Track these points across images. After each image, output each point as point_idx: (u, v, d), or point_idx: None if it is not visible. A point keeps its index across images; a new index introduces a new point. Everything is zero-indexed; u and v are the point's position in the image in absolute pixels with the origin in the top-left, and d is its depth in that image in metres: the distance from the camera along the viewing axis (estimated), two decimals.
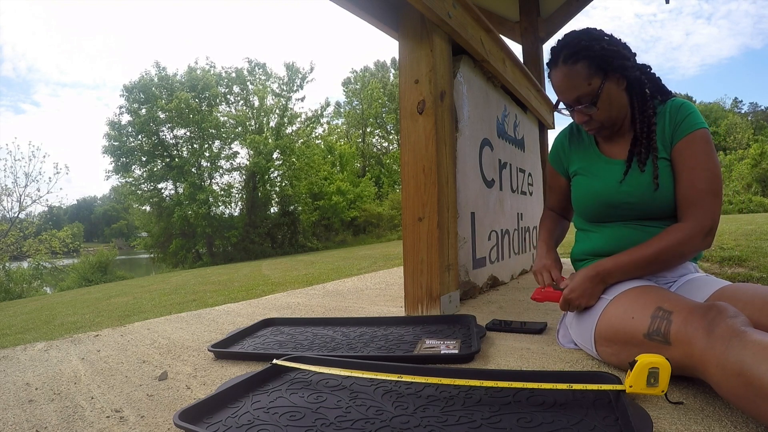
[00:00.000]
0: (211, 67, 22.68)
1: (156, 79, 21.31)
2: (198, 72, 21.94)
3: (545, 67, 1.48)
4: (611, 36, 1.41)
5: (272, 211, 22.83)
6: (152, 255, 22.06)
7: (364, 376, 1.29)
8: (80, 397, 1.41)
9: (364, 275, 4.47)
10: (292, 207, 22.53)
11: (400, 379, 1.24)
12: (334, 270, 7.44)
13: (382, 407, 1.12)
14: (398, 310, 2.44)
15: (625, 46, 1.39)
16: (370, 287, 3.46)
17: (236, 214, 22.05)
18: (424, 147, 2.13)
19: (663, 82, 1.46)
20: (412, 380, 1.22)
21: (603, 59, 1.33)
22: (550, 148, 1.75)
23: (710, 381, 0.95)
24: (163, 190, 21.44)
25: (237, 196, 22.25)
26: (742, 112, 52.31)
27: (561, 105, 1.47)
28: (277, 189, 22.64)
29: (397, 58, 2.32)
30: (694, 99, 54.56)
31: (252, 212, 21.50)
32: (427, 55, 2.13)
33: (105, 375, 1.62)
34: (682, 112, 1.37)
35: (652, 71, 1.46)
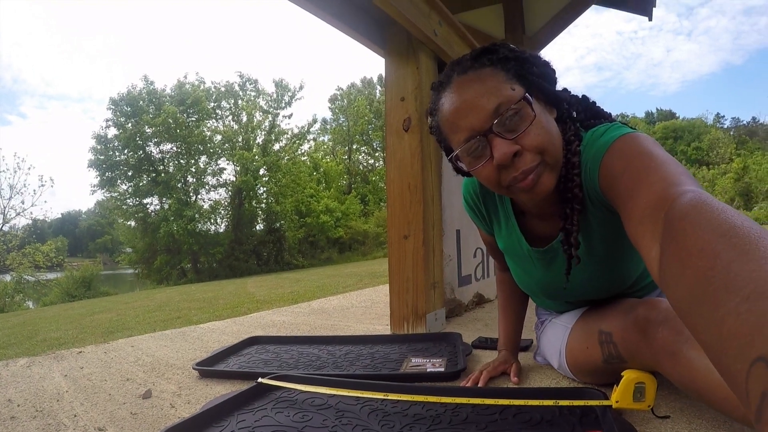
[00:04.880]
0: (200, 82, 22.69)
1: (144, 93, 21.26)
2: (187, 87, 21.94)
3: (432, 96, 1.05)
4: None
5: (258, 227, 22.77)
6: (137, 271, 21.82)
7: (350, 394, 1.28)
8: (63, 414, 1.39)
9: (350, 293, 4.46)
10: (278, 224, 22.47)
11: (386, 398, 1.24)
12: (319, 288, 7.42)
13: (368, 426, 1.12)
14: (384, 328, 2.44)
15: (547, 64, 1.01)
16: (356, 305, 3.45)
17: (222, 230, 21.94)
18: (410, 164, 2.15)
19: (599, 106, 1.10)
20: (399, 399, 1.22)
21: (521, 63, 0.94)
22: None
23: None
24: (148, 206, 21.33)
25: (223, 212, 22.16)
26: (725, 127, 53.14)
27: (463, 144, 0.94)
28: (263, 206, 22.59)
29: (383, 75, 2.35)
30: (677, 115, 55.29)
31: (238, 229, 21.41)
32: (413, 72, 2.16)
33: (88, 392, 1.60)
34: (594, 138, 0.95)
35: (583, 96, 1.11)
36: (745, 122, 54.73)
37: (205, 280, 18.53)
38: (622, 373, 1.03)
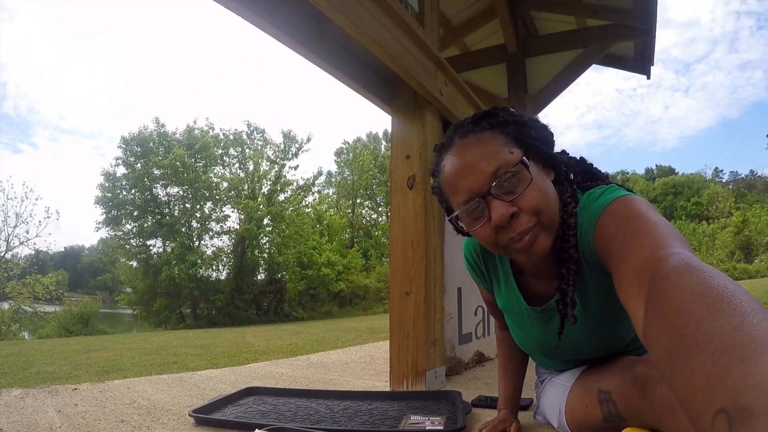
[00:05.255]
0: (209, 128, 23.15)
1: (155, 135, 21.67)
2: (196, 132, 22.37)
3: (434, 158, 1.08)
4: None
5: (259, 277, 22.67)
6: (135, 312, 21.60)
7: None
8: None
9: (350, 348, 4.43)
10: (279, 275, 22.39)
11: None
12: (318, 341, 7.35)
13: None
14: (383, 384, 2.42)
15: (545, 127, 1.06)
16: (356, 360, 3.43)
17: (223, 277, 21.85)
18: (413, 222, 2.20)
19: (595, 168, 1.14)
20: None
21: (519, 127, 0.99)
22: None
23: None
24: (151, 247, 21.38)
25: (225, 259, 22.13)
26: (723, 180, 53.58)
27: (463, 205, 0.97)
28: (265, 255, 22.59)
29: (389, 131, 2.43)
30: (676, 171, 55.57)
31: (239, 277, 21.33)
32: (418, 130, 2.23)
33: (81, 430, 1.59)
34: (591, 201, 0.98)
35: (580, 158, 1.15)
36: (743, 175, 55.35)
37: (204, 326, 18.33)
38: (622, 431, 1.03)
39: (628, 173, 55.23)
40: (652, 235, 0.76)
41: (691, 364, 0.47)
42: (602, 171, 1.14)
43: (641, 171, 57.65)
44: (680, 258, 0.64)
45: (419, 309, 2.16)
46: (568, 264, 1.01)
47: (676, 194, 46.89)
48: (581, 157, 1.15)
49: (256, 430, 1.44)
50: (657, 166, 58.28)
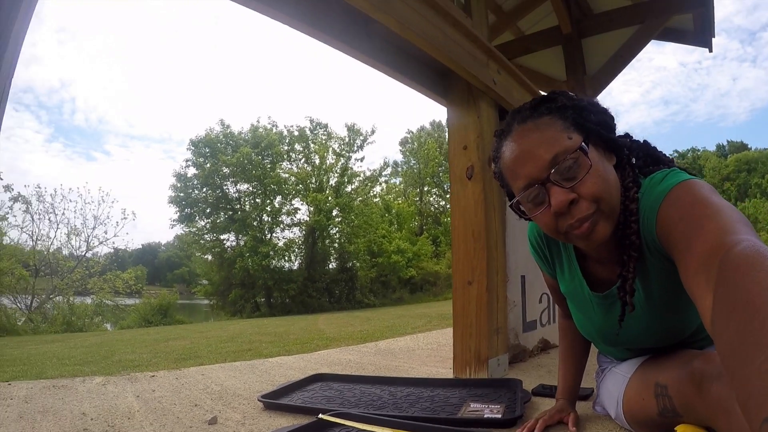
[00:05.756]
0: (273, 125, 23.72)
1: (221, 136, 22.47)
2: (261, 130, 23.00)
3: (494, 143, 1.09)
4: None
5: (331, 266, 23.13)
6: (212, 302, 22.56)
7: None
8: (133, 431, 1.51)
9: (417, 335, 4.47)
10: (350, 263, 22.77)
11: None
12: (388, 328, 7.43)
13: None
14: (447, 371, 2.44)
15: (605, 111, 1.05)
16: (422, 347, 3.47)
17: (295, 267, 22.45)
18: (473, 212, 2.20)
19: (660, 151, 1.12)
20: None
21: (578, 111, 0.98)
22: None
23: None
24: (225, 241, 22.15)
25: (297, 250, 22.72)
26: None
27: (522, 192, 0.98)
28: (336, 245, 23.01)
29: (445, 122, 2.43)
30: (749, 146, 51.35)
31: (311, 267, 21.84)
32: (474, 121, 2.23)
33: (158, 414, 1.72)
34: (653, 186, 0.96)
35: (644, 141, 1.14)
36: None
37: (278, 314, 18.93)
38: (675, 428, 1.01)
39: (698, 150, 51.79)
40: (717, 220, 0.74)
41: (750, 364, 0.46)
42: (666, 154, 1.12)
43: (712, 147, 53.73)
44: (749, 245, 0.62)
45: (481, 298, 2.16)
46: (630, 251, 0.99)
47: (750, 171, 43.58)
48: (644, 141, 1.13)
49: (320, 414, 1.51)
50: (728, 141, 54.19)
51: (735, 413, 0.86)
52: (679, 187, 0.89)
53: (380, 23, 1.72)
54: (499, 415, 1.55)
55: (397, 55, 2.09)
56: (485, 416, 1.55)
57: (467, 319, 2.20)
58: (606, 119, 1.02)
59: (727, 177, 44.81)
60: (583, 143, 0.92)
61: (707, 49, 4.22)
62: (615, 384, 1.34)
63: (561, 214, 0.93)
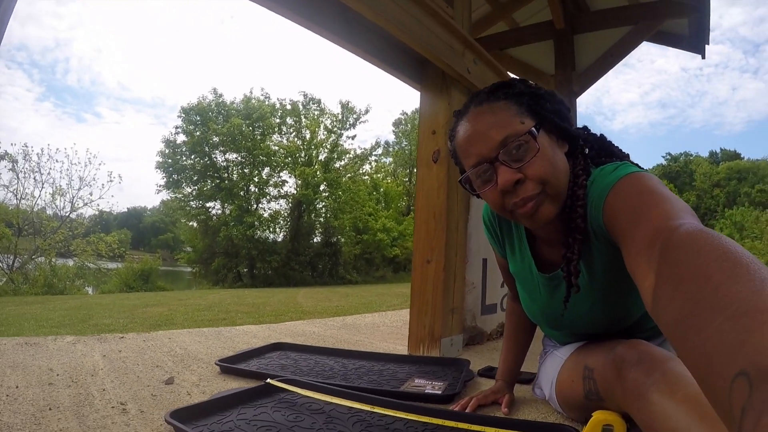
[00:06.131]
0: (266, 97, 23.54)
1: (213, 105, 22.28)
2: (253, 102, 22.82)
3: (452, 123, 1.14)
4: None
5: (315, 240, 23.20)
6: (194, 270, 22.58)
7: (343, 403, 1.40)
8: (94, 387, 1.58)
9: (386, 312, 4.56)
10: (335, 238, 22.84)
11: (373, 410, 1.34)
12: (364, 304, 7.55)
13: None
14: (404, 348, 2.52)
15: (561, 101, 1.09)
16: (387, 324, 3.55)
17: (280, 239, 22.48)
18: (436, 194, 2.26)
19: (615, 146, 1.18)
20: (383, 413, 1.32)
21: (534, 99, 1.03)
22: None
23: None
24: (211, 209, 22.13)
25: (282, 222, 22.73)
26: None
27: (472, 169, 1.04)
28: (321, 219, 23.05)
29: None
30: (742, 156, 51.64)
31: (295, 240, 21.89)
32: (444, 107, 2.27)
33: (119, 372, 1.79)
34: (603, 176, 1.00)
35: (600, 135, 1.19)
36: None
37: (260, 286, 19.03)
38: (592, 413, 1.04)
39: (691, 155, 52.03)
40: (661, 207, 0.77)
41: (707, 328, 0.45)
42: (621, 149, 1.17)
43: (705, 154, 54.15)
44: (692, 226, 0.65)
45: (438, 276, 2.23)
46: (575, 233, 1.04)
47: (741, 180, 43.94)
48: (601, 134, 1.18)
49: (268, 379, 1.57)
50: (722, 149, 54.54)
51: (647, 399, 0.90)
52: (627, 178, 0.93)
53: None
54: (439, 392, 1.61)
55: (375, 40, 2.11)
56: (426, 391, 1.62)
57: (424, 296, 2.27)
58: (561, 109, 1.07)
59: (717, 183, 45.12)
60: (533, 128, 0.97)
61: (700, 56, 4.26)
62: (552, 366, 1.38)
63: (507, 192, 0.99)
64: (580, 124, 1.19)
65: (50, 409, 1.35)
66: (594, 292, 1.13)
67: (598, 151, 1.14)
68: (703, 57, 4.15)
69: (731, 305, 0.44)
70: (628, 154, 1.16)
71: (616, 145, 1.17)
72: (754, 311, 0.42)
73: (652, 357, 0.96)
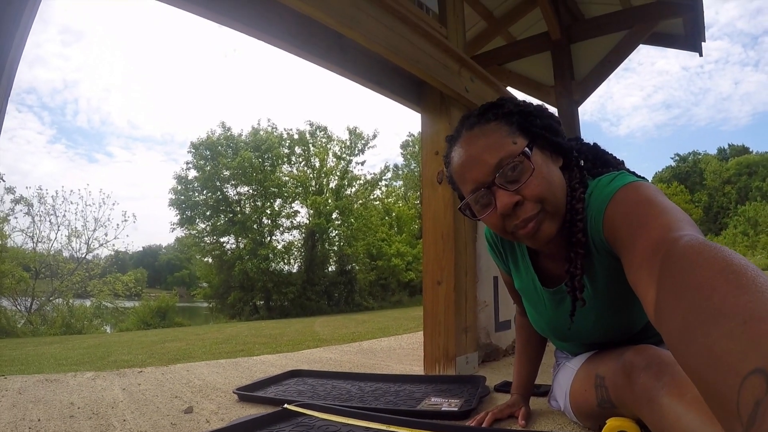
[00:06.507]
0: (273, 128, 23.80)
1: (222, 138, 22.55)
2: (261, 133, 23.08)
3: (446, 149, 1.14)
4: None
5: (330, 269, 23.19)
6: (211, 305, 22.61)
7: (359, 425, 1.42)
8: (114, 418, 1.62)
9: (402, 335, 4.56)
10: (349, 266, 22.84)
11: (388, 429, 1.36)
12: (381, 329, 7.52)
13: None
14: (420, 369, 2.53)
15: (552, 116, 1.10)
16: (403, 347, 3.56)
17: (294, 270, 22.51)
18: (443, 215, 2.29)
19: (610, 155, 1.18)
20: (400, 431, 1.34)
21: (524, 117, 1.03)
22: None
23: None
24: (225, 244, 22.19)
25: (296, 253, 22.79)
26: None
27: (470, 195, 1.04)
28: (335, 248, 23.08)
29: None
30: (750, 149, 51.06)
31: (310, 270, 21.90)
32: (445, 128, 2.31)
33: (139, 404, 1.83)
34: (600, 187, 1.00)
35: (593, 144, 1.20)
36: None
37: (277, 317, 18.99)
38: (606, 421, 1.06)
39: (699, 154, 51.74)
40: (661, 218, 0.77)
41: (716, 332, 0.44)
42: (615, 156, 1.17)
43: (713, 151, 53.64)
44: (693, 238, 0.64)
45: (449, 297, 2.25)
46: (576, 248, 1.04)
47: (751, 174, 43.52)
48: (594, 144, 1.19)
49: (285, 405, 1.60)
50: (730, 145, 53.91)
51: (658, 403, 0.91)
52: (625, 189, 0.93)
53: None
54: (455, 409, 1.63)
55: (371, 66, 2.17)
56: (442, 409, 1.63)
57: (436, 317, 2.29)
58: (552, 123, 1.07)
59: (728, 180, 44.77)
60: (526, 147, 0.98)
61: (697, 54, 4.28)
62: (565, 377, 1.39)
63: (507, 215, 0.99)
64: (584, 131, 1.21)
65: None
66: (598, 304, 1.14)
67: (593, 161, 1.15)
68: (701, 54, 4.16)
69: (743, 313, 0.44)
70: (622, 161, 1.17)
71: (610, 152, 1.18)
72: None
73: (660, 361, 0.97)
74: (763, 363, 0.38)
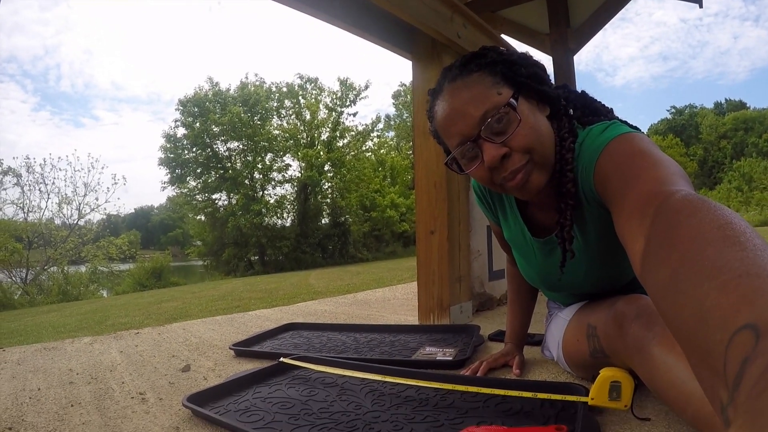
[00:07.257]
0: (261, 82, 23.39)
1: (210, 94, 22.18)
2: (250, 87, 22.69)
3: (429, 102, 1.09)
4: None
5: (323, 222, 23.27)
6: (206, 263, 22.81)
7: (355, 375, 1.42)
8: (113, 381, 1.62)
9: (396, 286, 4.60)
10: (343, 218, 22.90)
11: (384, 380, 1.36)
12: (376, 280, 7.60)
13: (361, 403, 1.24)
14: (415, 319, 2.54)
15: (537, 63, 1.05)
16: (398, 297, 3.58)
17: (288, 224, 22.58)
18: (435, 163, 2.25)
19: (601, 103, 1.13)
20: (395, 381, 1.34)
21: (508, 66, 0.98)
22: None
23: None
24: (217, 201, 22.22)
25: (289, 207, 22.79)
26: None
27: (456, 149, 1.00)
28: (328, 200, 23.08)
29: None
30: (748, 105, 50.65)
31: (303, 223, 21.98)
32: (436, 75, 2.23)
33: (137, 365, 1.83)
34: (592, 138, 0.97)
35: (581, 92, 1.14)
36: None
37: (271, 272, 19.18)
38: (600, 371, 1.03)
39: (696, 107, 51.27)
40: (655, 171, 0.74)
41: (707, 285, 0.42)
42: (604, 104, 1.12)
43: (710, 105, 52.98)
44: (689, 193, 0.62)
45: (443, 246, 2.24)
46: (566, 199, 1.02)
47: (747, 130, 43.29)
48: (582, 91, 1.14)
49: (281, 358, 1.60)
50: (727, 100, 53.27)
51: (648, 353, 0.91)
52: (618, 140, 0.90)
53: None
54: (450, 358, 1.63)
55: (363, 13, 2.08)
56: (437, 359, 1.64)
57: (430, 267, 2.28)
58: (537, 71, 1.02)
59: (724, 135, 44.59)
60: (512, 98, 0.94)
61: (697, 5, 4.15)
62: (557, 327, 1.39)
63: (494, 168, 0.96)
64: (580, 81, 1.16)
65: (72, 405, 1.39)
66: (589, 256, 1.13)
67: (582, 109, 1.10)
68: (701, 6, 4.04)
69: (738, 268, 0.41)
70: (612, 110, 1.12)
71: (598, 100, 1.13)
72: (766, 275, 0.39)
73: (651, 311, 0.96)
74: (755, 319, 0.35)
